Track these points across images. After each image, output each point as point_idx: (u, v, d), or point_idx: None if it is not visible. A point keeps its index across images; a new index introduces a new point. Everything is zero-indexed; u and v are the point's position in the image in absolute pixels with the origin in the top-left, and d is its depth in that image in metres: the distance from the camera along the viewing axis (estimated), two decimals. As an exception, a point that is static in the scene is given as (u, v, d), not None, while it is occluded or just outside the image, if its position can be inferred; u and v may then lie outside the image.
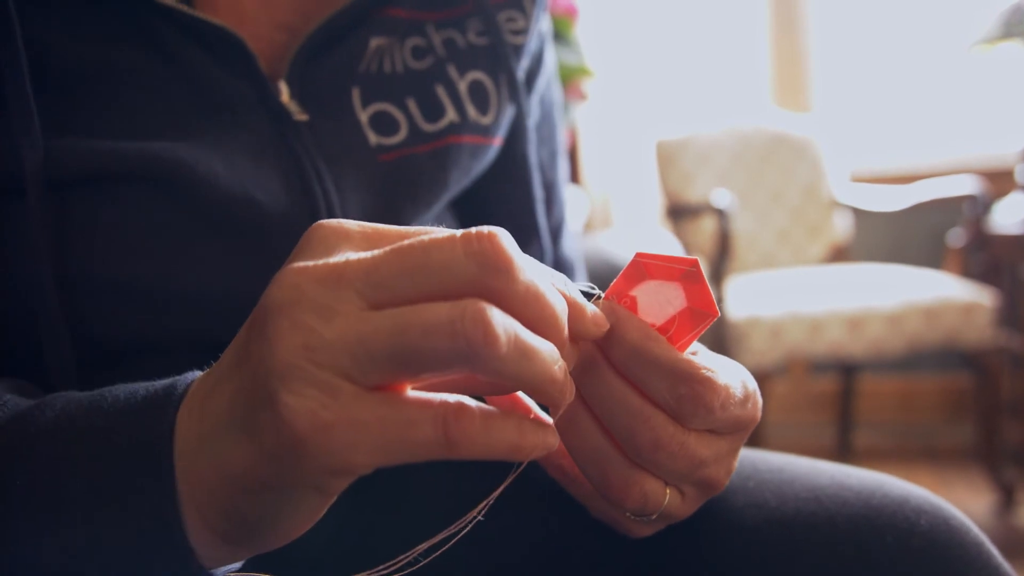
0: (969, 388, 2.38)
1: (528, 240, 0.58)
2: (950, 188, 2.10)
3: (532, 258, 0.28)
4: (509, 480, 0.31)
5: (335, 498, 0.29)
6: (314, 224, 0.29)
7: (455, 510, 0.32)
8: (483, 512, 0.31)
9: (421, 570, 0.32)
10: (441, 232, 0.27)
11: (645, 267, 0.34)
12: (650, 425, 0.33)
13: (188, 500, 0.29)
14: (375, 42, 0.51)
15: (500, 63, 0.54)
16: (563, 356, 0.28)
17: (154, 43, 0.45)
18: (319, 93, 0.49)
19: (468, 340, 0.25)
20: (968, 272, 2.09)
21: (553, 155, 0.62)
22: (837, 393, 2.49)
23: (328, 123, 0.49)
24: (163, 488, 0.29)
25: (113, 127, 0.43)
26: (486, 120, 0.53)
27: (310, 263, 0.27)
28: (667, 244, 1.83)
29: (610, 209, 2.64)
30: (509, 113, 0.55)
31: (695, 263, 0.34)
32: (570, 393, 0.29)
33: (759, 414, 0.37)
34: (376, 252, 0.27)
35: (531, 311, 0.27)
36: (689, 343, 0.35)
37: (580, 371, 0.34)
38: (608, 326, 0.33)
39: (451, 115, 0.52)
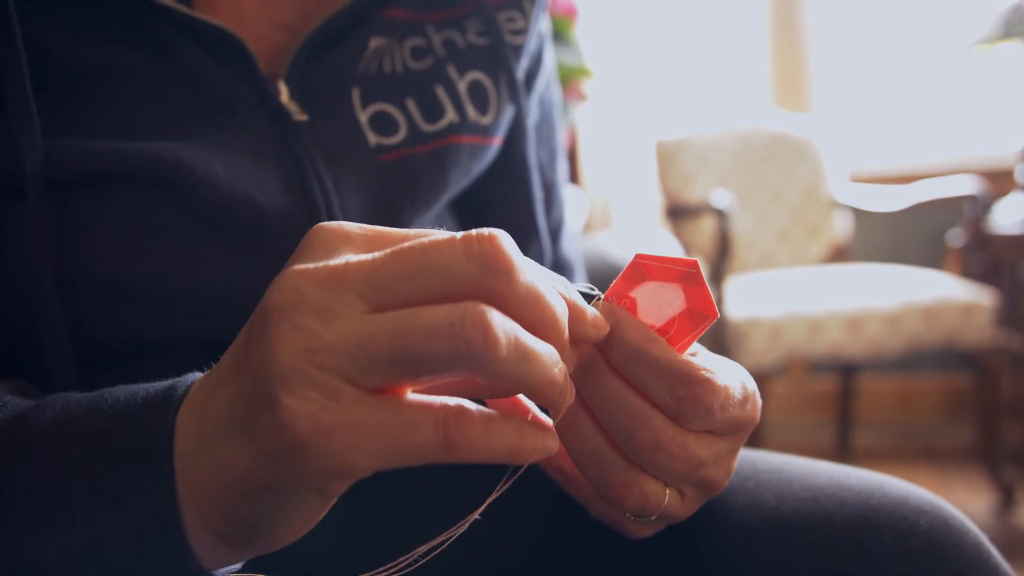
0: (969, 388, 2.38)
1: (527, 240, 0.58)
2: (950, 188, 2.10)
3: (532, 260, 0.28)
4: (509, 482, 0.31)
5: (335, 500, 0.29)
6: (315, 226, 0.29)
7: (455, 511, 0.32)
8: (483, 513, 0.31)
9: (421, 571, 0.32)
10: (441, 234, 0.27)
11: (645, 268, 0.34)
12: (650, 426, 0.33)
13: (188, 501, 0.29)
14: (375, 42, 0.51)
15: (500, 63, 0.54)
16: (563, 358, 0.28)
17: (154, 43, 0.45)
18: (319, 93, 0.49)
19: (468, 343, 0.25)
20: (968, 272, 2.09)
21: (552, 155, 0.62)
22: (836, 393, 2.50)
23: (328, 123, 0.49)
24: (163, 489, 0.29)
25: (113, 127, 0.43)
26: (486, 120, 0.53)
27: (310, 265, 0.27)
28: (667, 245, 1.83)
29: (610, 209, 2.64)
30: (509, 113, 0.55)
31: (695, 264, 0.34)
32: (570, 395, 0.29)
33: (758, 415, 0.37)
34: (376, 254, 0.27)
35: (531, 313, 0.27)
36: (689, 344, 0.35)
37: (580, 373, 0.34)
38: (608, 329, 0.33)
39: (451, 115, 0.52)
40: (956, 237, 2.22)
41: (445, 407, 0.26)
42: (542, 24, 0.59)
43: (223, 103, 0.46)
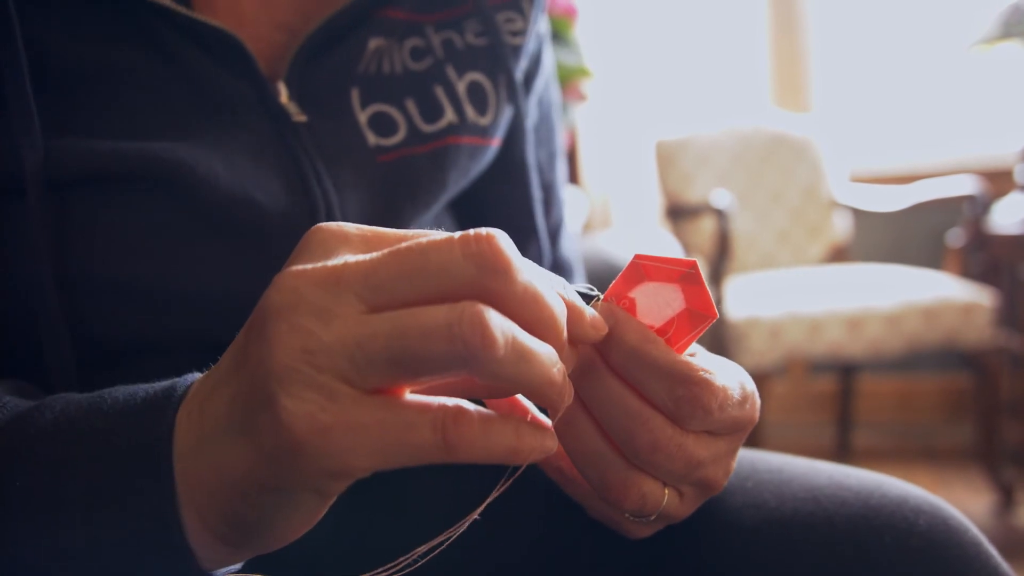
0: (968, 388, 2.38)
1: (526, 241, 0.58)
2: (949, 188, 2.10)
3: (531, 261, 0.28)
4: (508, 482, 0.31)
5: (334, 500, 0.29)
6: (313, 227, 0.29)
7: (454, 511, 0.32)
8: (482, 513, 0.31)
9: (421, 571, 0.32)
10: (439, 234, 0.27)
11: (644, 269, 0.34)
12: (648, 427, 0.33)
13: (187, 502, 0.29)
14: (374, 43, 0.51)
15: (498, 64, 0.54)
16: (562, 358, 0.28)
17: (154, 43, 0.45)
18: (318, 94, 0.49)
19: (466, 343, 0.25)
20: (967, 272, 2.09)
21: (551, 156, 0.62)
22: (836, 393, 2.49)
23: (327, 124, 0.49)
24: (162, 489, 0.29)
25: (113, 127, 0.43)
26: (484, 121, 0.54)
27: (308, 266, 0.27)
28: (666, 245, 1.83)
29: (609, 210, 2.64)
30: (507, 114, 0.55)
31: (694, 265, 0.34)
32: (568, 396, 0.29)
33: (757, 415, 0.37)
34: (374, 255, 0.27)
35: (529, 312, 0.27)
36: (687, 345, 0.35)
37: (578, 373, 0.34)
38: (607, 330, 0.33)
39: (450, 116, 0.52)
40: (956, 237, 2.22)
41: (443, 407, 0.26)
42: (541, 25, 0.59)
43: (223, 103, 0.46)
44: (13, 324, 0.42)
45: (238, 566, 0.33)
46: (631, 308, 0.35)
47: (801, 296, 1.87)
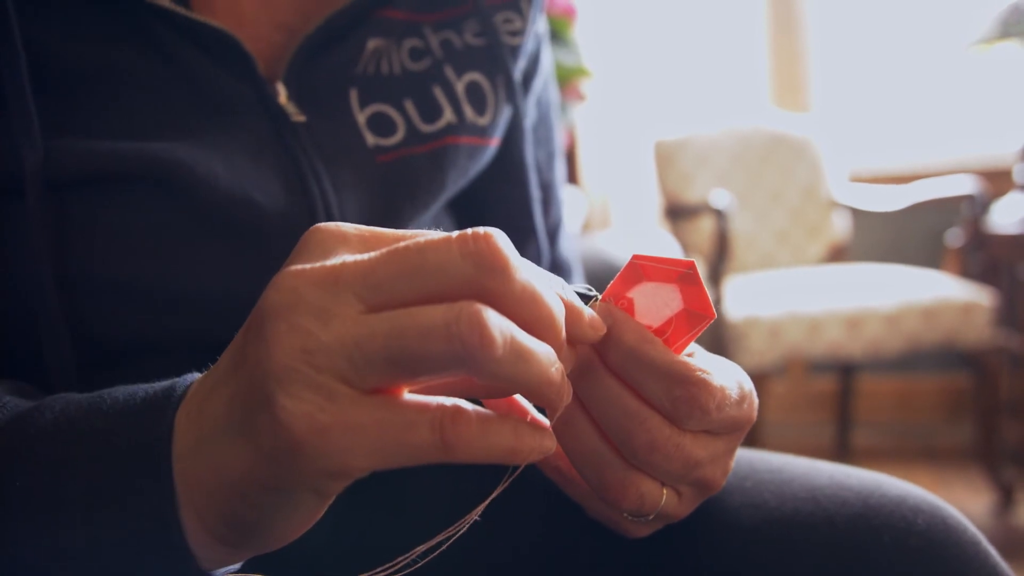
0: (968, 388, 2.38)
1: (525, 241, 0.58)
2: (948, 188, 2.10)
3: (529, 261, 0.28)
4: (507, 482, 0.32)
5: (333, 500, 0.29)
6: (311, 227, 0.29)
7: (453, 511, 0.32)
8: (482, 513, 0.31)
9: (420, 571, 0.32)
10: (437, 234, 0.27)
11: (642, 269, 0.34)
12: (646, 427, 0.33)
13: (186, 502, 0.29)
14: (373, 43, 0.51)
15: (497, 64, 0.54)
16: (560, 358, 0.28)
17: (153, 44, 0.45)
18: (317, 94, 0.49)
19: (464, 343, 0.25)
20: (967, 272, 2.09)
21: (550, 156, 0.62)
22: (836, 393, 2.50)
23: (326, 124, 0.49)
24: (162, 489, 0.29)
25: (112, 127, 0.43)
26: (483, 121, 0.54)
27: (307, 266, 0.27)
28: (666, 245, 1.83)
29: (609, 210, 2.64)
30: (506, 114, 0.55)
31: (692, 265, 0.34)
32: (567, 395, 0.29)
33: (755, 415, 0.37)
34: (373, 254, 0.27)
35: (527, 312, 0.27)
36: (686, 345, 0.35)
37: (577, 373, 0.34)
38: (605, 330, 0.33)
39: (448, 116, 0.52)
40: (955, 237, 2.22)
41: (442, 407, 0.26)
42: (539, 25, 0.59)
43: (222, 104, 0.46)
44: (13, 324, 0.42)
45: (237, 566, 0.33)
46: (629, 308, 0.35)
47: (800, 296, 1.87)
